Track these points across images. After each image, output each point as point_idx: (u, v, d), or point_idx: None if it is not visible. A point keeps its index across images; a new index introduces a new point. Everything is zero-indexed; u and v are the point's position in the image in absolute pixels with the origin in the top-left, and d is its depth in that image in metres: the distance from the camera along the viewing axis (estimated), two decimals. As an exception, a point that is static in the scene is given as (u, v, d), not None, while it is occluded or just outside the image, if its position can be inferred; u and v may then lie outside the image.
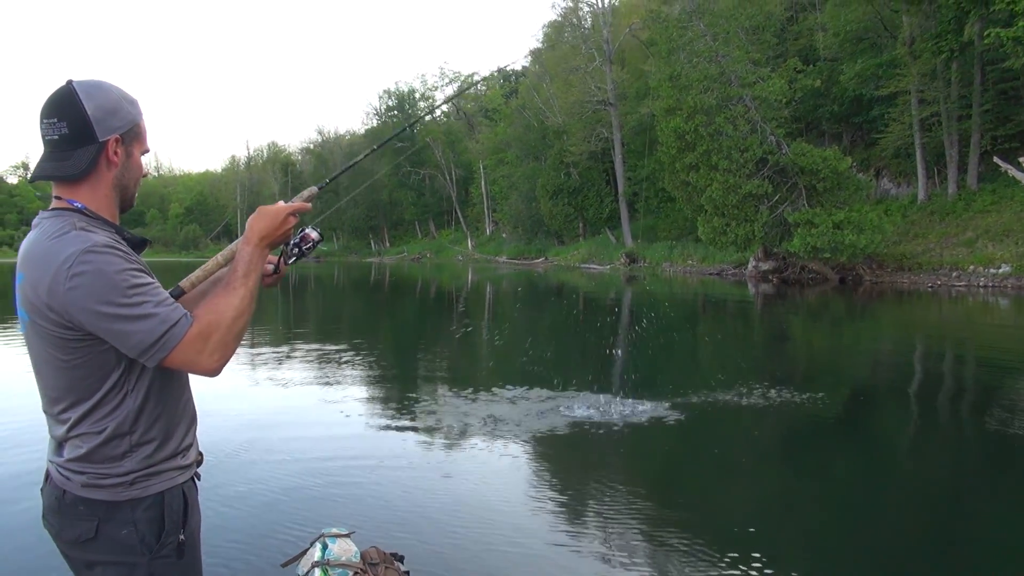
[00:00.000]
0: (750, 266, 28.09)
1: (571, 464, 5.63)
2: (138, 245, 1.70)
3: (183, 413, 1.75)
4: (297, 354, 11.60)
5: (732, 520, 4.35)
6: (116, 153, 1.66)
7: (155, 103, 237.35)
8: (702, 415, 6.85)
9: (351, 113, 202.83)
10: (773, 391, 8.29)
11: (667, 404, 7.27)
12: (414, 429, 6.40)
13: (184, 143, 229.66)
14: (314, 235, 1.85)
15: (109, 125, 1.63)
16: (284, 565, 2.19)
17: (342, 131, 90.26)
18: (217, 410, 7.22)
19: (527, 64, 53.92)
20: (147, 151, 1.77)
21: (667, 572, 3.68)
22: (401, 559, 2.29)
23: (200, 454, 1.84)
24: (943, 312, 18.27)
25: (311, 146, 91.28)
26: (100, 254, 1.52)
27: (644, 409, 7.02)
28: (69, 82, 1.64)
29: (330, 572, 2.07)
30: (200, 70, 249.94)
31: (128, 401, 1.61)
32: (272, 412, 7.41)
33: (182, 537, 1.68)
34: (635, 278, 32.30)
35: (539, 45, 54.17)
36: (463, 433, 6.22)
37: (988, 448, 6.31)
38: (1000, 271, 22.21)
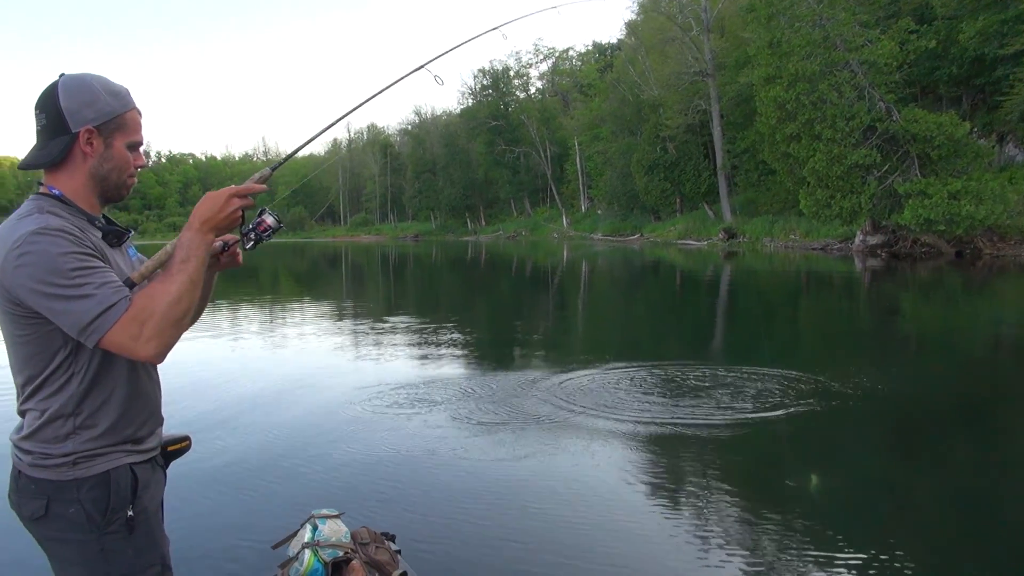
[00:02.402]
0: (857, 240, 26.84)
1: (602, 447, 5.39)
2: (117, 235, 1.75)
3: (140, 406, 1.75)
4: (345, 331, 11.99)
5: (833, 512, 4.25)
6: (90, 144, 1.69)
7: (261, 88, 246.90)
8: (801, 399, 6.71)
9: (448, 93, 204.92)
10: (881, 373, 8.01)
11: (759, 387, 7.17)
12: (428, 411, 6.33)
13: (289, 128, 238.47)
14: (270, 220, 1.76)
15: (82, 117, 1.67)
16: (275, 547, 2.21)
17: (439, 111, 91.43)
18: (219, 386, 7.69)
19: (622, 37, 52.93)
20: (137, 142, 1.78)
21: (740, 560, 3.71)
22: (392, 538, 2.29)
23: (168, 445, 1.85)
24: (1073, 287, 16.96)
25: (409, 127, 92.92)
26: (48, 236, 1.55)
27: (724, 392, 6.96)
28: (60, 75, 1.71)
29: (320, 552, 2.10)
30: (303, 54, 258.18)
31: (73, 383, 1.63)
32: (283, 389, 7.59)
33: (131, 513, 1.68)
34: (734, 254, 31.43)
35: (634, 16, 53.08)
36: (475, 417, 6.10)
37: None
38: None
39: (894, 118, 24.44)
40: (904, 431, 6.03)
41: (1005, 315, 13.37)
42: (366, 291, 22.80)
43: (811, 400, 6.44)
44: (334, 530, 2.14)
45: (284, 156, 2.07)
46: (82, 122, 1.67)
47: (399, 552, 2.25)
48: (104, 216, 1.79)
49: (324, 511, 2.23)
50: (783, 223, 34.49)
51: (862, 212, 24.98)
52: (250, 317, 14.77)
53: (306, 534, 2.12)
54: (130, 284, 1.68)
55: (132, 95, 1.78)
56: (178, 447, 1.90)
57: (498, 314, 15.55)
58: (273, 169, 1.86)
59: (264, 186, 1.77)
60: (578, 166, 60.30)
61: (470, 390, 7.06)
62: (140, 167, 1.80)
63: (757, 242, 34.97)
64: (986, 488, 4.62)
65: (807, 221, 30.86)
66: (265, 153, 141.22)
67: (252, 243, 1.76)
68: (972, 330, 11.92)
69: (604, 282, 23.95)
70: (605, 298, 19.32)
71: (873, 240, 25.97)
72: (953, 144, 23.43)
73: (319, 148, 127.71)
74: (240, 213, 1.71)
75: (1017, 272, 19.82)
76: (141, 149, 1.82)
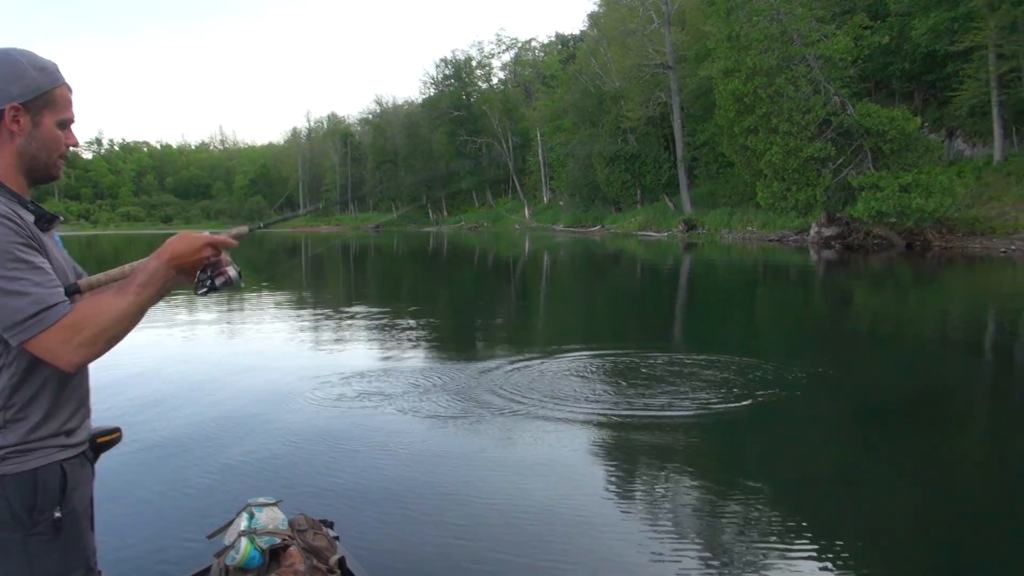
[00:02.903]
0: (812, 232, 27.35)
1: (534, 433, 5.43)
2: (49, 220, 1.67)
3: (70, 395, 1.69)
4: (288, 320, 11.88)
5: (789, 497, 4.31)
6: (17, 121, 1.62)
7: (219, 76, 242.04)
8: (757, 388, 6.80)
9: (409, 82, 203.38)
10: (835, 362, 8.17)
11: (719, 374, 7.25)
12: (376, 403, 6.20)
13: (247, 116, 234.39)
14: (232, 273, 1.73)
15: (7, 93, 1.60)
16: (210, 537, 2.15)
17: (400, 100, 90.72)
18: (155, 375, 7.55)
19: (585, 28, 53.03)
20: (67, 120, 1.71)
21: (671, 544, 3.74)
22: (331, 525, 2.25)
23: (98, 437, 1.79)
24: (1017, 278, 17.50)
25: (370, 116, 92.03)
26: None
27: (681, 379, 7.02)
28: None
29: (257, 540, 2.05)
30: (262, 42, 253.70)
31: (3, 376, 1.57)
32: (227, 379, 7.50)
33: (58, 515, 1.61)
34: (693, 245, 31.81)
35: (596, 8, 53.22)
36: (424, 409, 5.96)
37: None
38: (1081, 235, 21.10)
39: (848, 112, 24.92)
40: (857, 419, 6.13)
41: (952, 305, 13.74)
42: (325, 281, 22.55)
43: (767, 389, 6.52)
44: (271, 518, 2.10)
45: (267, 221, 2.08)
46: (7, 99, 1.59)
47: (337, 539, 2.21)
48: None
49: (261, 499, 2.18)
50: (741, 215, 34.99)
51: (817, 204, 25.46)
52: (203, 306, 14.48)
53: (242, 522, 2.06)
54: (75, 290, 1.61)
55: (61, 70, 1.70)
56: (108, 439, 1.84)
57: (457, 305, 15.50)
58: (251, 230, 1.85)
59: (236, 243, 1.74)
60: (540, 157, 60.38)
61: (421, 381, 6.95)
62: (71, 147, 1.72)
63: (716, 233, 35.44)
64: (937, 475, 4.72)
65: (764, 213, 31.36)
66: (222, 142, 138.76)
67: (205, 290, 1.72)
68: (921, 320, 12.22)
69: (565, 273, 24.06)
70: (565, 289, 19.40)
71: (828, 232, 26.48)
72: (905, 138, 23.99)
73: (278, 137, 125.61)
74: (208, 261, 1.69)
75: (964, 263, 20.40)
76: (73, 127, 1.73)
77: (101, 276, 1.68)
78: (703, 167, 41.16)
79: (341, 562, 2.12)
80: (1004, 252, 21.86)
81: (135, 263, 1.65)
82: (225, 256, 1.72)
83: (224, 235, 1.71)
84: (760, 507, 3.97)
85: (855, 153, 24.86)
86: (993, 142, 27.67)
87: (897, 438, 5.50)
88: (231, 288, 1.76)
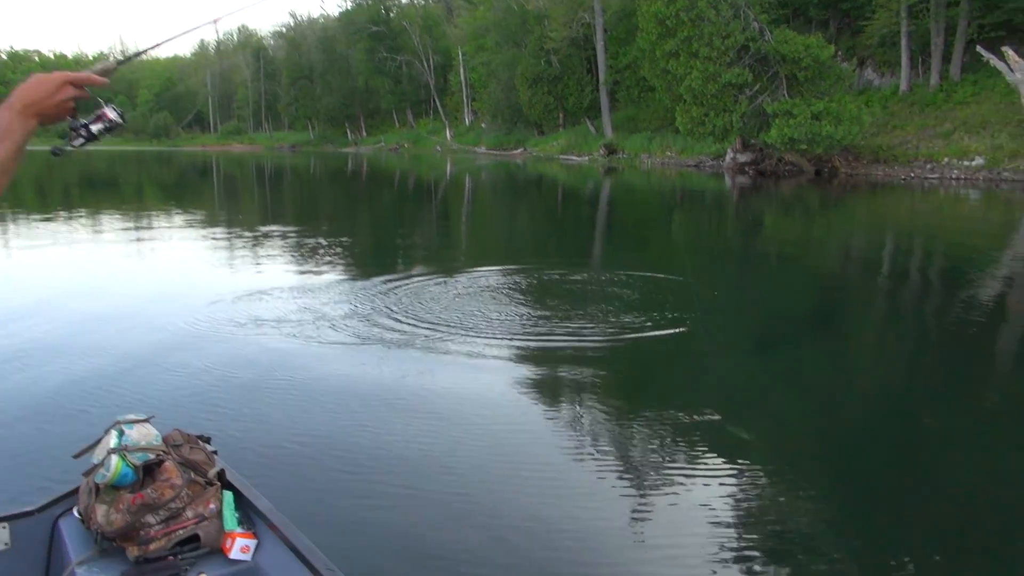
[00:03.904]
0: (728, 158, 27.88)
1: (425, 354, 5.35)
2: None
3: None
4: (198, 238, 11.53)
5: (690, 406, 4.48)
6: None
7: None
8: (671, 310, 6.97)
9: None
10: (745, 282, 8.46)
11: (629, 296, 7.39)
12: (272, 326, 5.96)
13: (149, 25, 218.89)
14: (112, 115, 1.52)
15: None
16: (77, 456, 2.03)
17: (315, 14, 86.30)
18: (55, 301, 7.15)
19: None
20: None
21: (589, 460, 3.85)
22: (208, 440, 2.21)
23: None
24: (914, 205, 18.40)
25: (283, 30, 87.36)
26: None
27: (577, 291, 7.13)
28: None
29: (129, 457, 1.96)
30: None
31: None
32: (118, 304, 7.14)
33: None
34: (614, 170, 32.04)
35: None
36: (321, 336, 5.70)
37: (946, 338, 6.56)
38: (973, 163, 22.23)
39: (766, 39, 25.15)
40: (765, 339, 6.39)
41: (854, 229, 14.40)
42: (238, 202, 21.74)
43: (680, 312, 6.67)
44: (143, 434, 2.02)
45: (137, 51, 1.74)
46: None
47: (216, 453, 2.16)
48: None
49: (131, 416, 2.08)
50: (661, 140, 35.29)
51: (733, 130, 25.88)
52: (106, 227, 13.77)
53: (111, 440, 1.97)
54: None
55: None
56: None
57: (373, 227, 15.22)
58: (120, 63, 1.59)
59: (106, 80, 1.50)
60: (462, 77, 58.91)
61: (320, 304, 6.69)
62: None
63: (636, 158, 35.71)
64: (835, 393, 4.98)
65: (683, 139, 31.71)
66: (123, 53, 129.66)
67: (83, 140, 1.50)
68: (825, 243, 12.78)
69: (486, 196, 23.92)
70: (486, 212, 19.31)
71: (742, 158, 27.04)
72: (818, 66, 24.45)
73: (184, 50, 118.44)
74: (72, 104, 1.46)
75: (867, 190, 21.28)
76: None
77: None
78: (625, 91, 41.06)
79: (221, 474, 2.08)
80: (904, 180, 22.88)
81: None
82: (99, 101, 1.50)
83: (86, 72, 1.50)
84: (677, 432, 4.01)
85: (771, 80, 25.24)
86: (900, 72, 28.54)
87: (799, 358, 5.77)
88: (114, 132, 1.56)
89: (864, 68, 31.56)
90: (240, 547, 1.94)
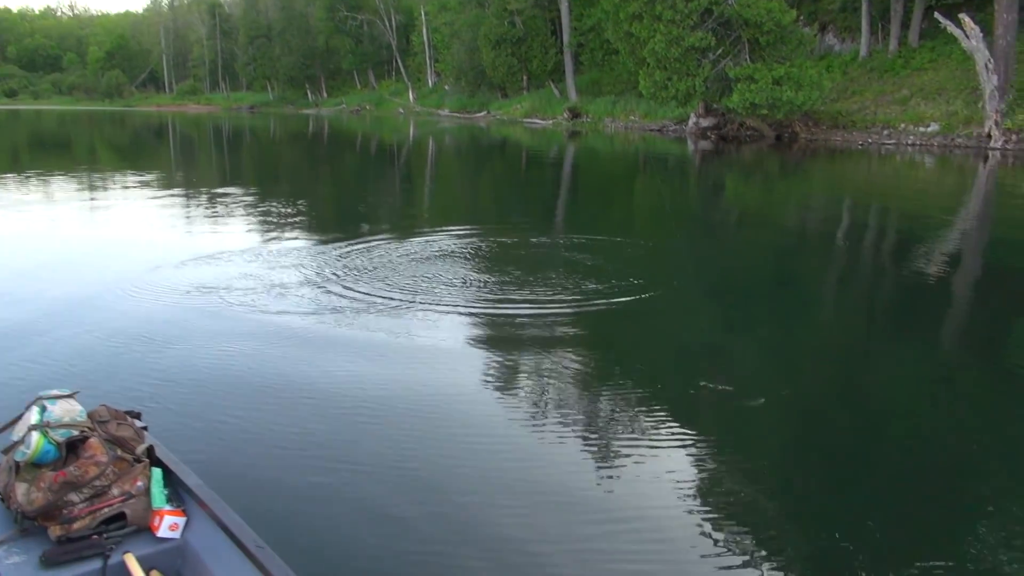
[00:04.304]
0: (690, 122, 27.90)
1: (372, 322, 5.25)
2: None
3: None
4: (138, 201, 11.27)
5: (664, 386, 4.50)
6: None
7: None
8: (634, 275, 6.99)
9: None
10: (707, 245, 8.53)
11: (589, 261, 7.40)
12: (212, 294, 5.75)
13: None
14: None
15: None
16: None
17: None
18: None
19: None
20: None
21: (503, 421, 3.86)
22: (138, 416, 2.14)
23: None
24: (871, 170, 18.66)
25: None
26: None
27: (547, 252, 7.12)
28: None
29: (51, 434, 1.91)
30: None
31: None
32: (49, 268, 6.88)
33: None
34: (578, 134, 31.90)
35: None
36: (264, 304, 5.50)
37: (898, 296, 6.74)
38: (929, 130, 22.57)
39: (729, 2, 25.03)
40: (723, 300, 6.49)
41: (814, 194, 14.60)
42: (195, 165, 21.21)
43: (645, 275, 6.69)
44: (67, 410, 1.95)
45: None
46: None
47: (146, 429, 2.10)
48: None
49: (54, 391, 2.01)
50: (624, 104, 35.15)
51: (696, 95, 25.86)
52: (53, 189, 13.33)
53: (32, 416, 1.90)
54: None
55: None
56: None
57: (333, 190, 14.98)
58: None
59: None
60: (424, 38, 57.84)
61: (275, 272, 6.47)
62: None
63: (599, 122, 35.57)
64: (791, 352, 5.11)
65: (646, 103, 31.62)
66: (71, 7, 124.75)
67: None
68: (785, 208, 12.95)
69: (449, 160, 23.66)
70: (449, 175, 19.11)
71: (705, 123, 27.09)
72: (780, 31, 24.46)
73: (137, 5, 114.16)
74: None
75: (826, 155, 21.51)
76: None
77: None
78: (589, 54, 40.71)
79: (149, 451, 2.04)
80: (862, 145, 23.16)
81: None
82: None
83: None
84: (641, 400, 4.02)
85: (733, 44, 25.20)
86: (860, 38, 28.71)
87: (758, 319, 5.85)
88: None
89: (825, 33, 31.68)
90: (168, 525, 1.91)
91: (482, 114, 46.22)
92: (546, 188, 15.81)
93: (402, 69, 62.36)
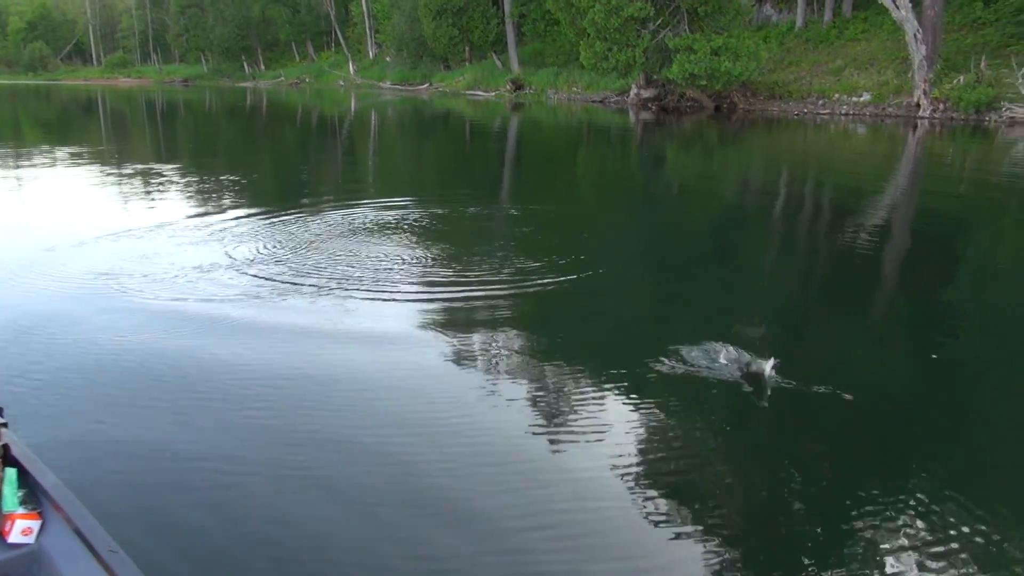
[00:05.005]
0: (632, 94, 27.94)
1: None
2: None
3: None
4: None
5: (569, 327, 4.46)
6: None
7: None
8: (576, 247, 6.95)
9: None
10: (648, 214, 8.55)
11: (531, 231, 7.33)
12: (107, 280, 5.40)
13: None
14: None
15: None
16: None
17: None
18: None
19: None
20: None
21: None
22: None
23: None
24: (807, 139, 18.98)
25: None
26: None
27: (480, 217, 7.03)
28: None
29: None
30: None
31: None
32: None
33: None
34: (521, 105, 31.69)
35: None
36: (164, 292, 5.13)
37: (832, 265, 6.87)
38: (861, 99, 23.04)
39: (668, -29, 25.02)
40: (664, 270, 6.54)
41: (751, 164, 14.78)
42: (126, 140, 20.36)
43: (586, 248, 6.65)
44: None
45: None
46: None
47: (5, 425, 1.96)
48: None
49: None
50: (567, 75, 35.00)
51: (636, 66, 25.87)
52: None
53: None
54: None
55: None
56: None
57: (269, 165, 14.55)
58: None
59: None
60: (364, 8, 56.53)
61: (182, 253, 6.12)
62: None
63: (542, 94, 35.38)
64: (736, 311, 5.19)
65: (589, 74, 31.53)
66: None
67: None
68: (724, 176, 13.12)
69: (392, 133, 23.26)
70: (392, 148, 18.77)
71: (646, 94, 27.16)
72: (718, 1, 24.57)
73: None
74: None
75: (764, 125, 21.80)
76: None
77: None
78: (531, 24, 40.36)
79: (4, 450, 1.89)
80: (797, 115, 23.53)
81: None
82: None
83: None
84: (574, 375, 3.98)
85: (673, 15, 25.23)
86: (797, 8, 29.04)
87: (699, 291, 5.88)
88: None
89: (763, 4, 31.95)
90: (21, 529, 1.77)
91: (424, 86, 45.56)
92: (489, 160, 15.67)
93: (342, 40, 60.93)
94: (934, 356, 4.48)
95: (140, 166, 13.05)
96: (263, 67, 69.12)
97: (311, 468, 2.96)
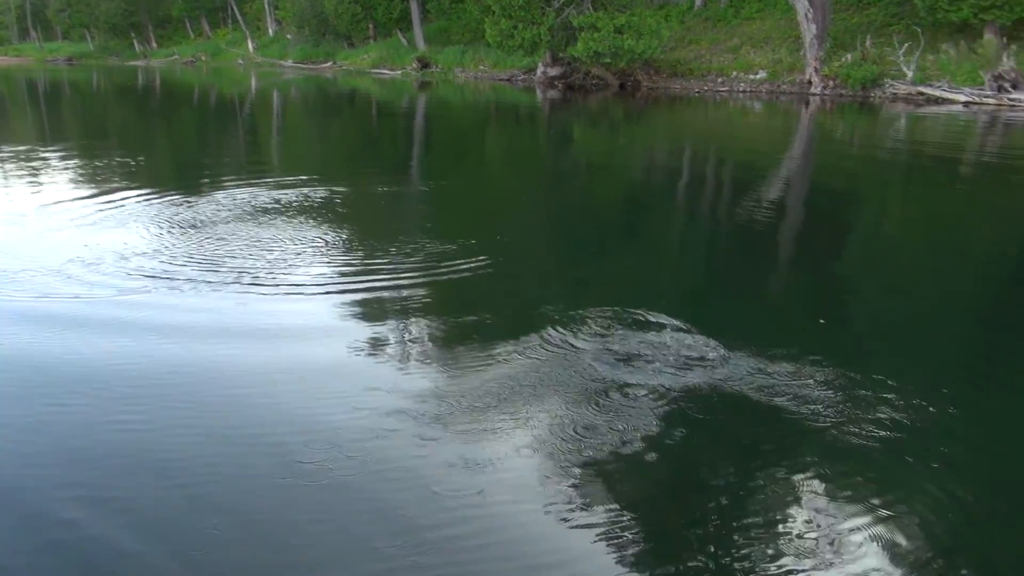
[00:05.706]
0: (539, 72, 28.08)
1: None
2: None
3: None
4: None
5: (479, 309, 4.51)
6: None
7: None
8: (468, 224, 6.97)
9: None
10: (555, 193, 8.64)
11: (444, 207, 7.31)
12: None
13: None
14: None
15: None
16: None
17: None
18: None
19: None
20: None
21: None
22: None
23: None
24: (707, 116, 19.61)
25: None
26: None
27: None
28: None
29: None
30: None
31: None
32: None
33: None
34: (428, 84, 31.36)
35: None
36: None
37: (729, 230, 7.14)
38: (757, 77, 23.94)
39: (571, -51, 25.20)
40: (574, 239, 6.64)
41: (655, 140, 15.17)
42: (2, 120, 19.05)
43: (497, 225, 6.69)
44: None
45: None
46: None
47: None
48: None
49: None
50: (473, 53, 34.80)
51: (542, 44, 26.03)
52: None
53: None
54: None
55: None
56: None
57: (160, 148, 13.93)
58: None
59: None
60: (262, -17, 54.53)
61: (55, 244, 5.70)
62: None
63: (450, 72, 35.08)
64: (644, 291, 5.25)
65: (495, 52, 31.46)
66: None
67: None
68: (630, 153, 13.41)
69: (295, 112, 22.62)
70: (295, 128, 18.27)
71: (552, 72, 27.35)
72: (621, -21, 24.97)
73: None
74: None
75: (667, 103, 22.36)
76: None
77: None
78: (436, 2, 39.88)
79: None
80: (698, 93, 24.24)
81: None
82: None
83: None
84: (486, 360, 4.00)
85: (577, -8, 25.49)
86: (696, -13, 29.78)
87: (609, 262, 6.02)
88: None
89: (664, -17, 32.56)
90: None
91: (328, 65, 44.45)
92: (398, 139, 15.50)
93: (239, 17, 58.59)
94: (822, 321, 4.78)
95: (19, 148, 12.26)
96: (155, 45, 65.80)
97: (185, 478, 2.80)
